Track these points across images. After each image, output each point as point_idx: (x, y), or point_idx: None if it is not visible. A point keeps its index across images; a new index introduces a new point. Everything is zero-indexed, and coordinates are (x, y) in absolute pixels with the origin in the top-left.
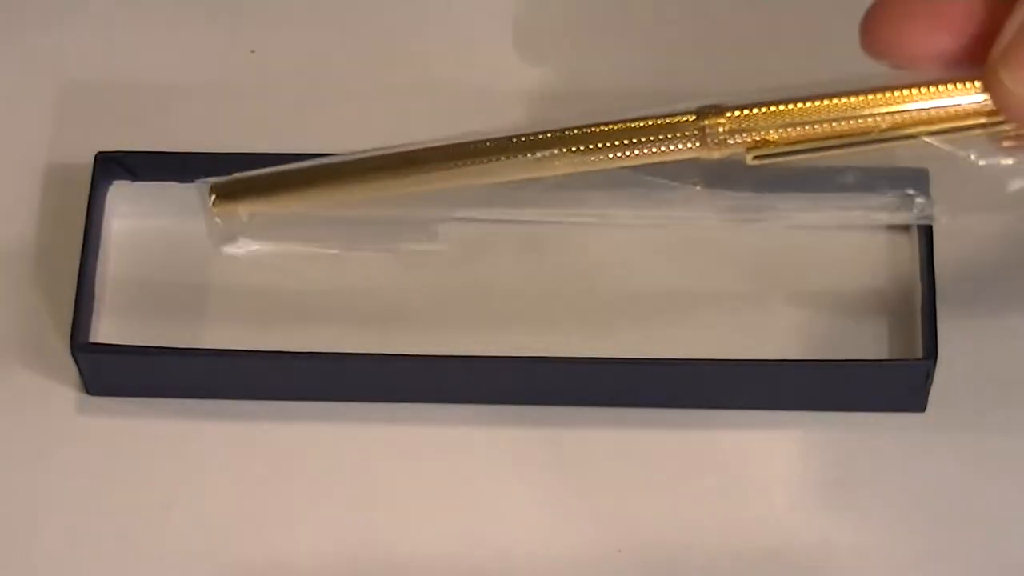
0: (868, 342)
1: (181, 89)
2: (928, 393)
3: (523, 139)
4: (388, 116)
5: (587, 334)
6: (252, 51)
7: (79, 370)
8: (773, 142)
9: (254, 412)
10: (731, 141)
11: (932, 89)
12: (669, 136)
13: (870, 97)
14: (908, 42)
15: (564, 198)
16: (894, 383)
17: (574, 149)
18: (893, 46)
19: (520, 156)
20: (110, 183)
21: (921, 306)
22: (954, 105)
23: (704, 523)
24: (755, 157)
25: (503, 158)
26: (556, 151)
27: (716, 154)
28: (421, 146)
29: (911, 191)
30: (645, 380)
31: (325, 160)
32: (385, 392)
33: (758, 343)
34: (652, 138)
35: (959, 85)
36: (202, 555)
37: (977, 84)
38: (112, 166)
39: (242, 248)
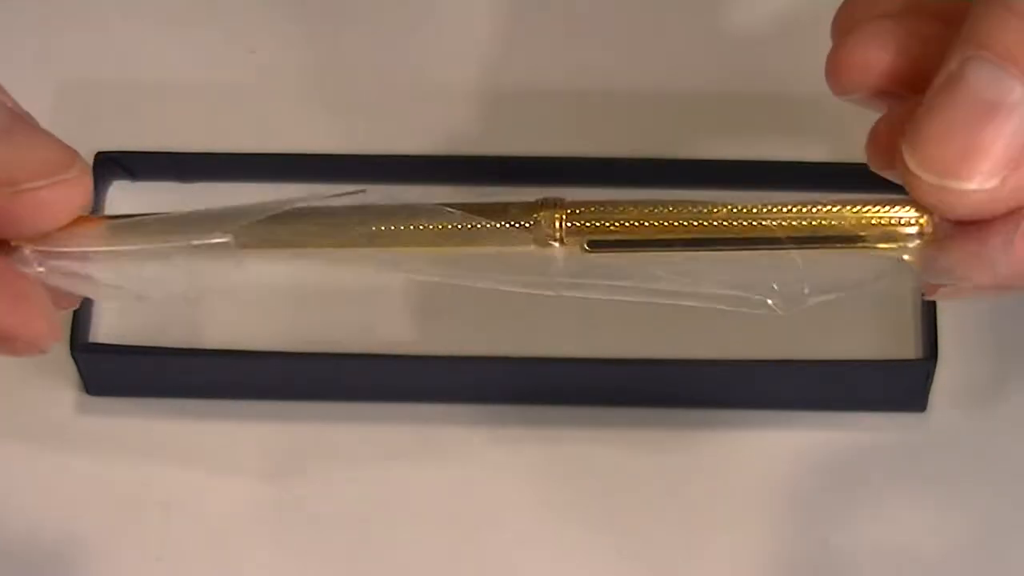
0: (868, 342)
1: (181, 89)
2: (928, 393)
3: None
4: (387, 116)
5: (587, 334)
6: (252, 51)
7: (79, 370)
8: (611, 232)
9: (254, 412)
10: (568, 239)
11: (798, 209)
12: (497, 226)
13: (726, 209)
14: (868, 63)
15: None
16: (894, 383)
17: (374, 229)
18: (855, 70)
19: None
20: (110, 183)
21: (921, 306)
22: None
23: (703, 523)
24: (590, 243)
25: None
26: (357, 225)
27: (551, 253)
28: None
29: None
30: (645, 380)
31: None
32: (385, 392)
33: (758, 343)
34: (474, 227)
35: (817, 208)
36: (202, 555)
37: (834, 209)
38: (112, 166)
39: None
